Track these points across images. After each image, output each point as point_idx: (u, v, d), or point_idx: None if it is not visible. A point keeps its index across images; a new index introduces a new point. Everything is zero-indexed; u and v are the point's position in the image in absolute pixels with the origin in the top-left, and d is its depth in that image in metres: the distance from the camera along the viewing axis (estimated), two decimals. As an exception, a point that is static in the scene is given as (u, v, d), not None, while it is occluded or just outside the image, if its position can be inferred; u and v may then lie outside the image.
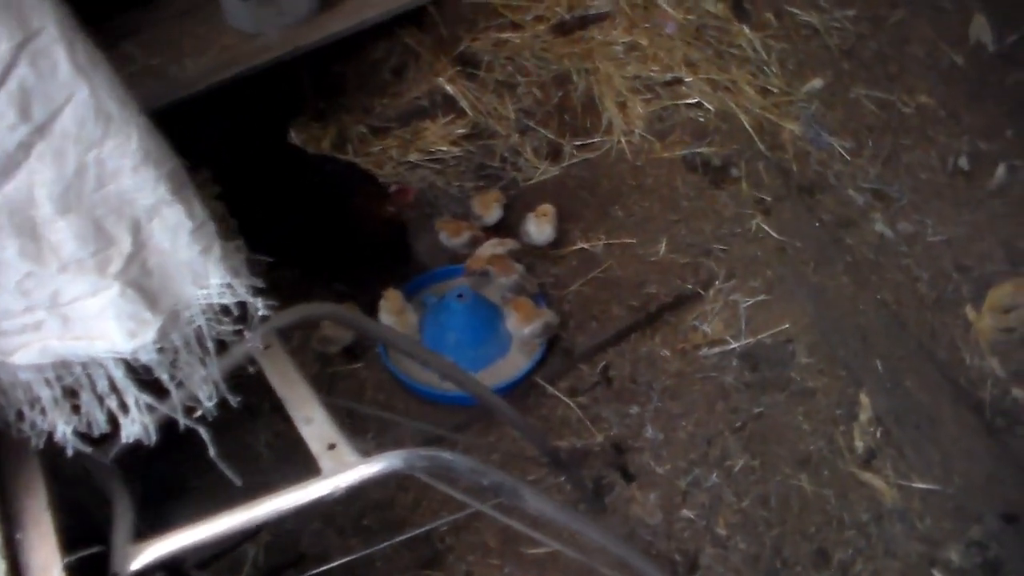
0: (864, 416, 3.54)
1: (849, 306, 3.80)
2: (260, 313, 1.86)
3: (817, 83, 4.50)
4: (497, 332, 3.80)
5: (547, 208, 4.05)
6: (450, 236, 4.04)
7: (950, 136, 3.86)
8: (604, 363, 3.76)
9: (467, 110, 4.62)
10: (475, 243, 4.00)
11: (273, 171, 3.77)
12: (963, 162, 3.80)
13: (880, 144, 4.20)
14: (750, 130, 4.42)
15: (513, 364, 3.75)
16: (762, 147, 4.37)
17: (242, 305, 1.85)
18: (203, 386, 1.85)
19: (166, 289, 1.76)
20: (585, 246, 4.13)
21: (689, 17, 4.90)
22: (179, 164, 1.75)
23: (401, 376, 3.66)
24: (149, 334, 1.72)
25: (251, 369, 2.19)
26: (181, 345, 1.79)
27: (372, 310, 3.75)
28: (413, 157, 4.48)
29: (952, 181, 3.81)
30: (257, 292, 1.86)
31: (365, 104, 4.59)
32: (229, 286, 1.80)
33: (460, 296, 3.76)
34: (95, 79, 1.66)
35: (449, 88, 4.64)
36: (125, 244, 1.71)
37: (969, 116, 3.82)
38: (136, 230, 1.72)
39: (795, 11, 4.70)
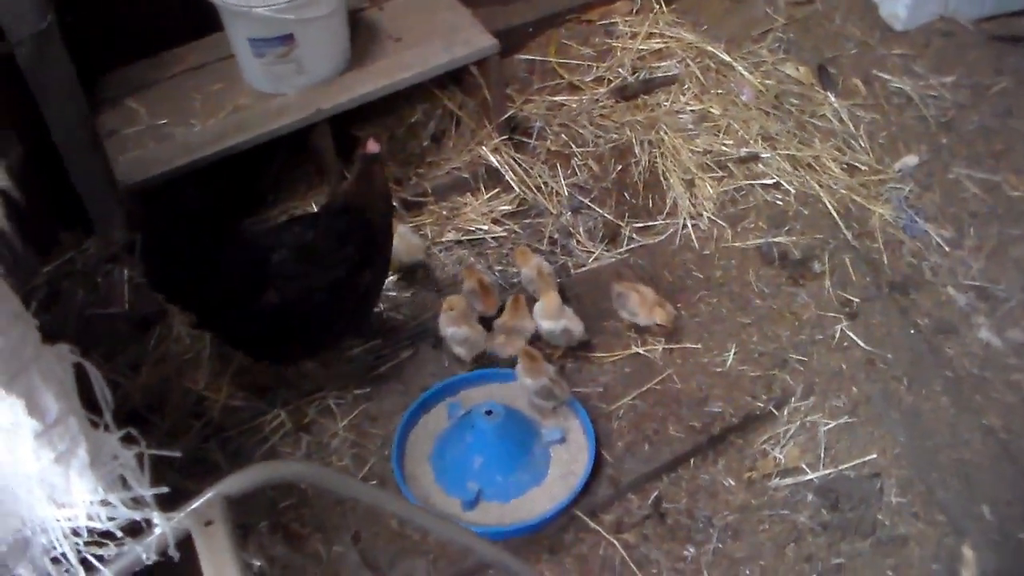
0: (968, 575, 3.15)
1: (949, 434, 3.46)
2: (157, 531, 1.35)
3: (911, 160, 4.30)
4: (532, 455, 3.34)
5: None
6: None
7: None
8: (656, 493, 3.34)
9: (513, 184, 4.22)
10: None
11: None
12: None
13: (984, 233, 4.04)
14: (835, 215, 4.11)
15: (549, 494, 3.28)
16: (848, 236, 4.05)
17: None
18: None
19: (5, 510, 1.23)
20: (640, 351, 3.67)
21: (768, 83, 4.57)
22: (24, 334, 1.22)
23: (418, 505, 3.20)
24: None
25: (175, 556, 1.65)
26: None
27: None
28: (449, 236, 4.08)
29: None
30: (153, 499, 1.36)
31: (397, 174, 4.19)
32: (105, 502, 1.28)
33: (489, 413, 3.29)
34: None
35: (494, 158, 4.23)
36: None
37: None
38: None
39: (886, 77, 4.58)
